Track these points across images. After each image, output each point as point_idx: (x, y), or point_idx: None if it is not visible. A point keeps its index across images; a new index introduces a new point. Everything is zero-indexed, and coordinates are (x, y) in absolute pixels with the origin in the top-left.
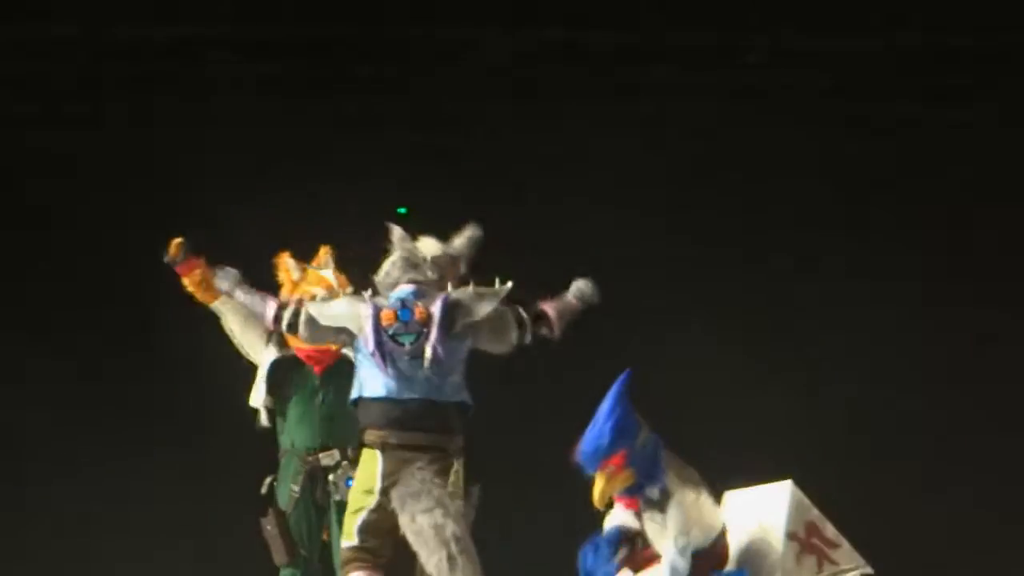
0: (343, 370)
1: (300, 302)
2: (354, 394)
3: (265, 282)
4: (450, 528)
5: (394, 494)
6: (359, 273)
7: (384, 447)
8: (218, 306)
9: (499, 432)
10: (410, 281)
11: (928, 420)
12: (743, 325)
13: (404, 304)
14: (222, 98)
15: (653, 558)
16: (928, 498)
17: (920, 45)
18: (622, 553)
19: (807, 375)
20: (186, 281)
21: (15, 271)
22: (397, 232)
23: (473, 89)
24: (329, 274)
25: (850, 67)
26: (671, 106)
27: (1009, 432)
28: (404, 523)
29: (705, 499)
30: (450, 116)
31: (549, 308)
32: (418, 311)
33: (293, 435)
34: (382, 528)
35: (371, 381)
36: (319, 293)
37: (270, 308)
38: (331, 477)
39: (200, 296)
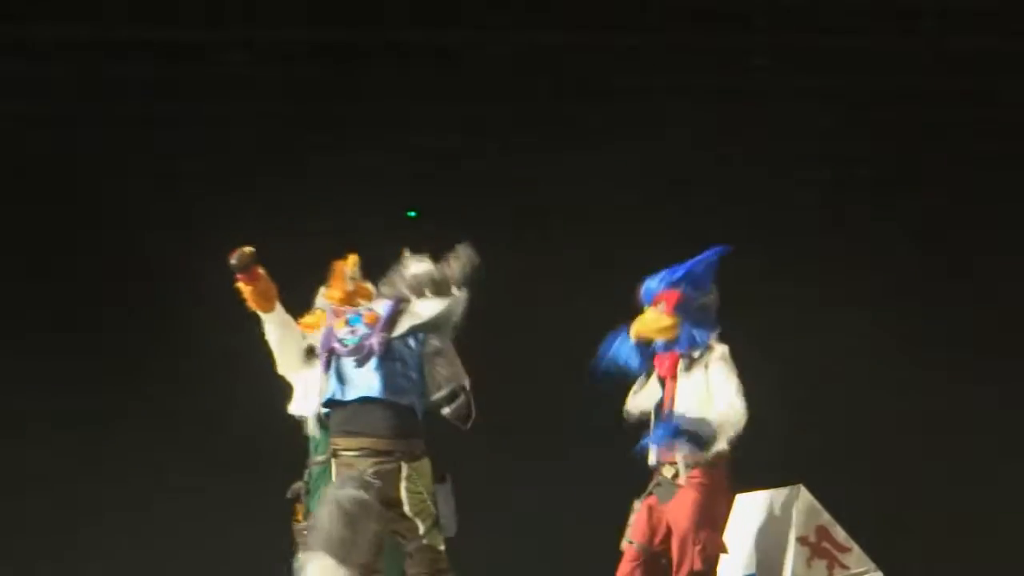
0: None
1: None
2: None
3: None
4: (332, 508)
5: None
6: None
7: (335, 454)
8: (268, 316)
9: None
10: (383, 296)
11: (940, 424)
12: (750, 326)
13: (358, 312)
14: (224, 99)
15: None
16: (936, 501)
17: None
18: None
19: (818, 378)
20: (244, 290)
21: (15, 271)
22: (405, 253)
23: (476, 91)
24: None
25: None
26: (673, 107)
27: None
28: None
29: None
30: (454, 117)
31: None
32: (367, 316)
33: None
34: None
35: (326, 386)
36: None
37: None
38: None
39: (256, 305)
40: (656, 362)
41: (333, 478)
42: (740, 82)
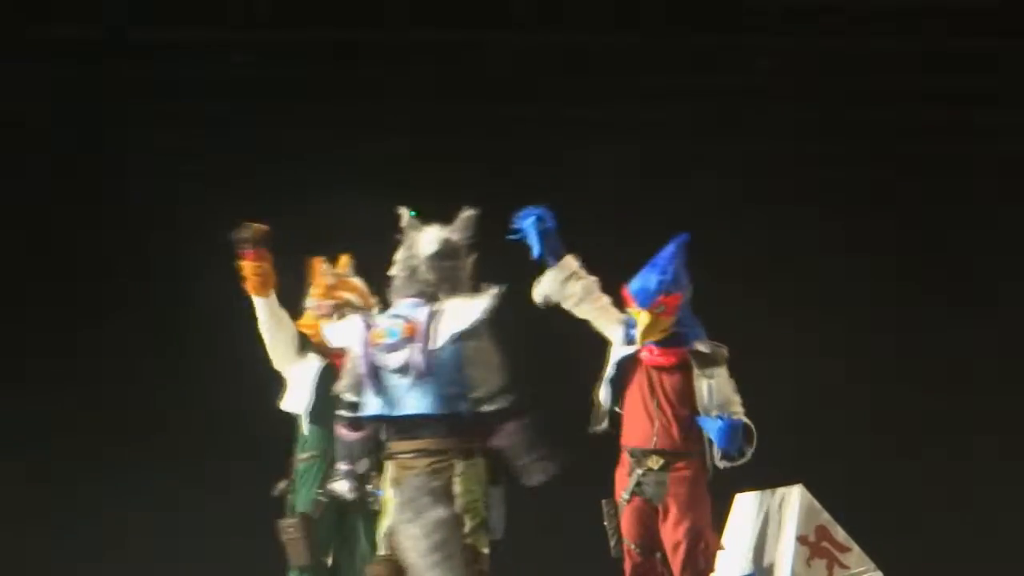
0: None
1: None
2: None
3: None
4: (424, 542)
5: (396, 503)
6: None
7: (390, 456)
8: (263, 302)
9: None
10: (413, 294)
11: (940, 422)
12: (748, 326)
13: (396, 319)
14: (224, 98)
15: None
16: (936, 501)
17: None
18: None
19: (818, 376)
20: (247, 266)
21: (14, 272)
22: (404, 218)
23: (476, 90)
24: (359, 283)
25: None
26: (672, 107)
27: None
28: (395, 531)
29: None
30: (452, 117)
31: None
32: (406, 328)
33: (324, 440)
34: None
35: (371, 401)
36: (353, 299)
37: None
38: (368, 486)
39: (253, 287)
40: (648, 352)
41: (388, 481)
42: (741, 81)
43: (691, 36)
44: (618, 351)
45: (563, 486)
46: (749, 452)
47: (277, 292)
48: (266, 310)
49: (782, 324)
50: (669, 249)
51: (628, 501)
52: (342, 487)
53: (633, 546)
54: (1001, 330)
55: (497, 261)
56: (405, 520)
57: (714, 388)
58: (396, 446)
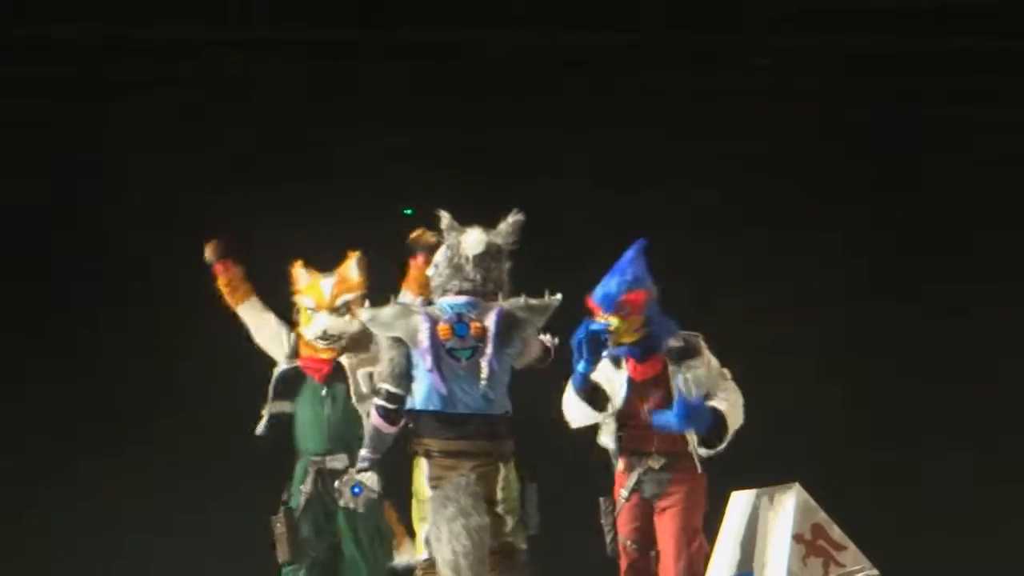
0: (341, 376)
1: None
2: (410, 404)
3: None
4: (463, 540)
5: (434, 497)
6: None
7: (427, 454)
8: (242, 308)
9: None
10: (460, 292)
11: (939, 421)
12: (745, 325)
13: (460, 318)
14: (223, 98)
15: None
16: (932, 500)
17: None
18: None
19: (815, 375)
20: (217, 281)
21: (13, 272)
22: (445, 220)
23: (473, 89)
24: (328, 285)
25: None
26: (671, 107)
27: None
28: (431, 524)
29: None
30: (451, 116)
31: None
32: (474, 326)
33: (302, 440)
34: None
35: (427, 395)
36: (306, 302)
37: None
38: (337, 483)
39: (227, 297)
40: (629, 367)
41: (425, 479)
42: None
43: (688, 35)
44: (614, 389)
45: (561, 485)
46: (727, 437)
47: (256, 295)
48: (247, 315)
49: (780, 323)
50: (628, 254)
51: (627, 499)
52: (371, 479)
53: (630, 543)
54: (1001, 329)
55: None
56: (447, 517)
57: (692, 380)
58: (437, 444)
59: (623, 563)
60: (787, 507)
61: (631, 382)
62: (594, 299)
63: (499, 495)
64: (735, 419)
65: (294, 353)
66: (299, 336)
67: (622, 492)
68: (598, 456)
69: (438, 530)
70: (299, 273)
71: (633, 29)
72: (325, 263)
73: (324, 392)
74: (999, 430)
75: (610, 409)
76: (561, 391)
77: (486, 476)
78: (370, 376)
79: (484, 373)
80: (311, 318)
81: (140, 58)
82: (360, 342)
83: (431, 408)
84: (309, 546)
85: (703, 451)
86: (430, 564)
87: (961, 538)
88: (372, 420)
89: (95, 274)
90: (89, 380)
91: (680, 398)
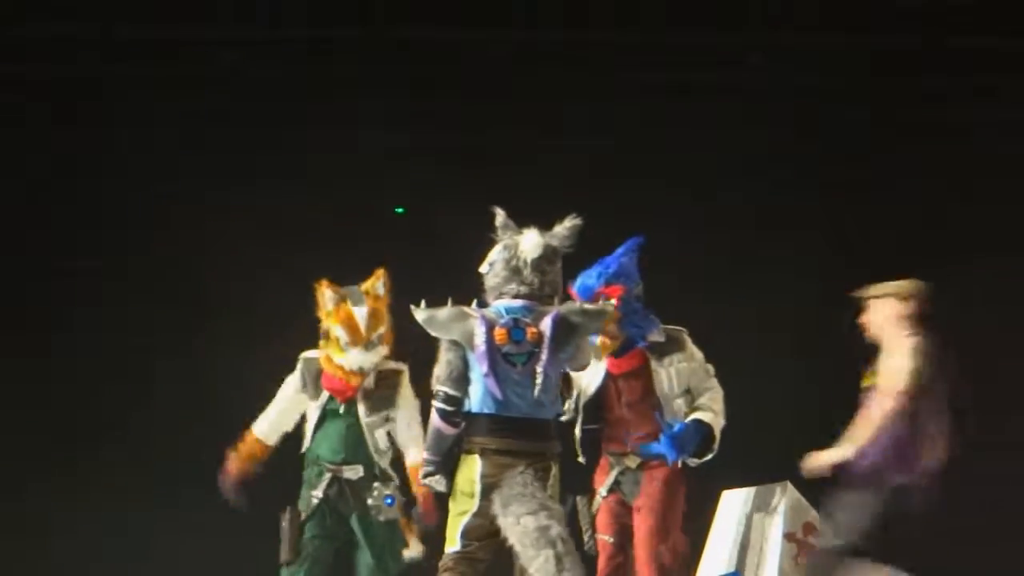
0: (358, 402)
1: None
2: (466, 407)
3: (259, 280)
4: (555, 529)
5: (496, 497)
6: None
7: (483, 452)
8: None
9: None
10: (517, 295)
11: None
12: (738, 324)
13: (517, 324)
14: (222, 97)
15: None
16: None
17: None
18: None
19: (806, 373)
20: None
21: (13, 273)
22: (500, 218)
23: (470, 89)
24: (363, 312)
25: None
26: (671, 106)
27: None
28: (507, 525)
29: None
30: (447, 115)
31: None
32: (530, 331)
33: (318, 447)
34: (483, 531)
35: (482, 398)
36: (339, 334)
37: None
38: (370, 500)
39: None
40: (608, 360)
41: (478, 477)
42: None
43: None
44: (589, 380)
45: None
46: (715, 445)
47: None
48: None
49: (773, 320)
50: (620, 249)
51: (605, 497)
52: (439, 483)
53: (608, 539)
54: (1000, 327)
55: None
56: (527, 512)
57: (674, 375)
58: (493, 443)
59: (601, 560)
60: (778, 506)
61: (608, 375)
62: (574, 287)
63: (549, 492)
64: (720, 423)
65: (316, 386)
66: (326, 358)
67: (601, 491)
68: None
69: (523, 527)
70: (327, 295)
71: (633, 27)
72: (325, 264)
73: (342, 409)
74: (993, 430)
75: (575, 396)
76: None
77: (542, 472)
78: (388, 435)
79: (539, 379)
80: (345, 351)
81: (140, 58)
82: (385, 398)
83: (485, 411)
84: (312, 548)
85: (693, 461)
86: (458, 556)
87: (955, 537)
88: (433, 423)
89: (93, 275)
90: (89, 379)
91: (665, 432)
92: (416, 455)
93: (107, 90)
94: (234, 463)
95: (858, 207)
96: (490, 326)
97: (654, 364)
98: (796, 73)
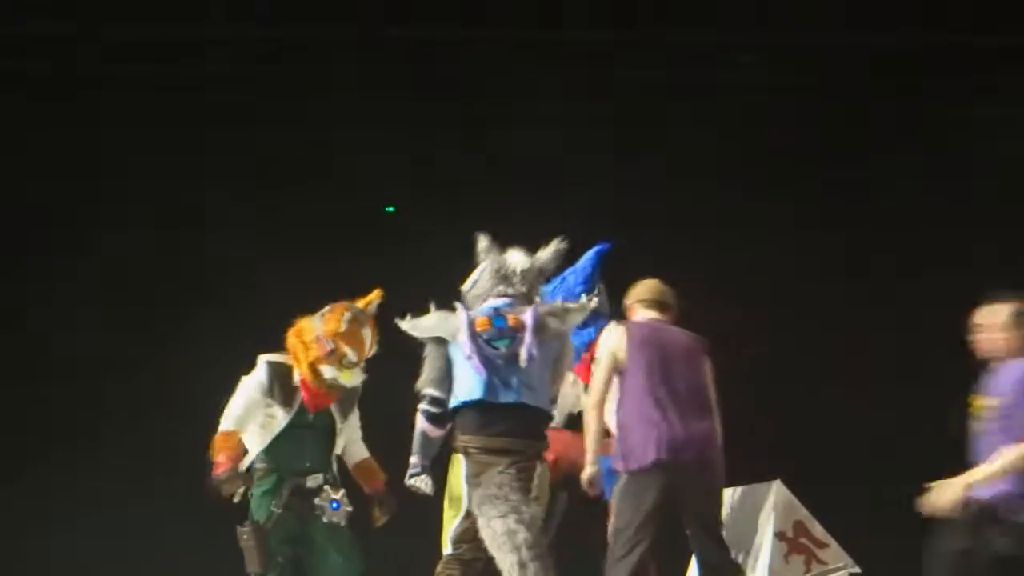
0: (330, 415)
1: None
2: (452, 403)
3: (262, 280)
4: (522, 535)
5: (474, 497)
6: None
7: (467, 451)
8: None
9: None
10: (500, 295)
11: (925, 418)
12: (732, 323)
13: (497, 312)
14: (220, 97)
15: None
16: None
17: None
18: None
19: (797, 373)
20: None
21: (11, 273)
22: (483, 242)
23: (467, 88)
24: (368, 334)
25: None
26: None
27: None
28: (481, 526)
29: None
30: (442, 115)
31: None
32: (511, 318)
33: (280, 457)
34: (472, 533)
35: (468, 386)
36: (348, 352)
37: None
38: (317, 500)
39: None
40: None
41: (464, 476)
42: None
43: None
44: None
45: None
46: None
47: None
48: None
49: (765, 321)
50: (588, 257)
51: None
52: (425, 484)
53: None
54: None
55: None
56: (497, 515)
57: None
58: (476, 441)
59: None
60: (769, 505)
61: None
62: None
63: (533, 492)
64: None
65: (286, 394)
66: (310, 369)
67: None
68: None
69: (492, 529)
70: (345, 316)
71: (630, 26)
72: (323, 263)
73: (311, 418)
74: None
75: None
76: None
77: (524, 472)
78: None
79: (523, 356)
80: (349, 370)
81: (138, 56)
82: (349, 403)
83: (475, 399)
84: (281, 556)
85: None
86: (451, 559)
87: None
88: (419, 425)
89: (93, 275)
90: (88, 379)
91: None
92: (364, 450)
93: (107, 90)
94: (222, 455)
95: (858, 207)
96: (471, 317)
97: None
98: (796, 73)
